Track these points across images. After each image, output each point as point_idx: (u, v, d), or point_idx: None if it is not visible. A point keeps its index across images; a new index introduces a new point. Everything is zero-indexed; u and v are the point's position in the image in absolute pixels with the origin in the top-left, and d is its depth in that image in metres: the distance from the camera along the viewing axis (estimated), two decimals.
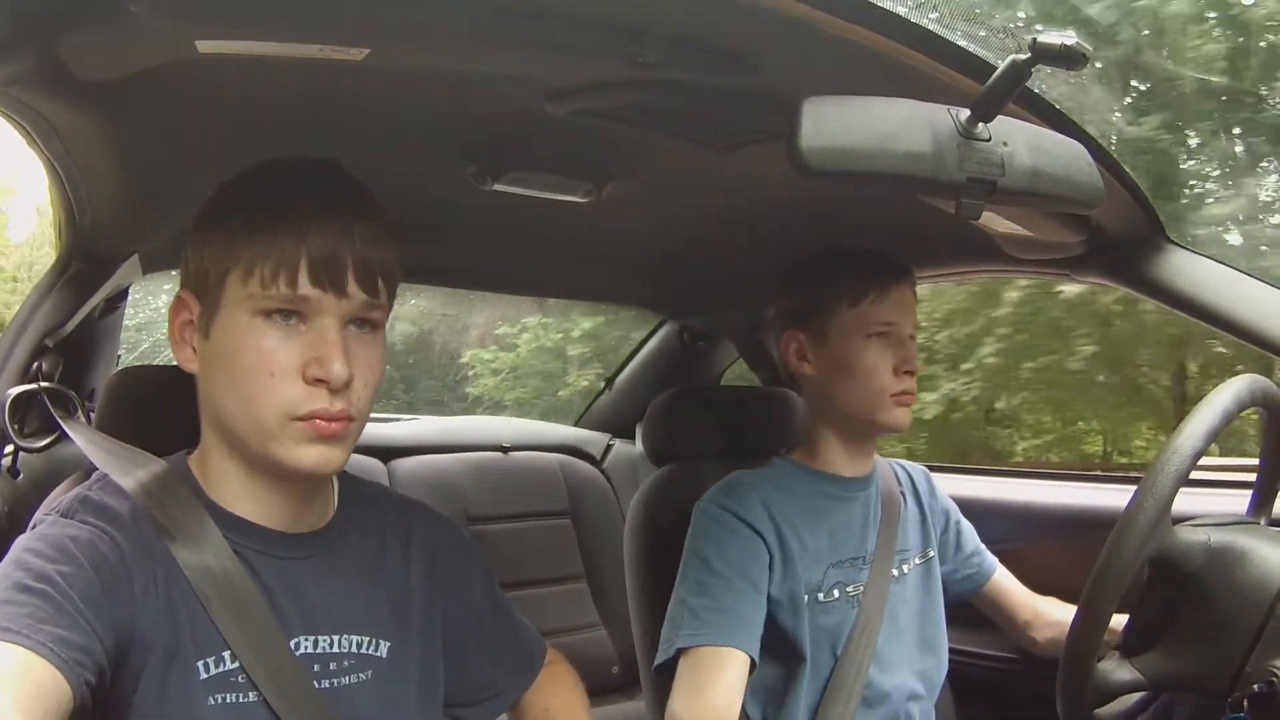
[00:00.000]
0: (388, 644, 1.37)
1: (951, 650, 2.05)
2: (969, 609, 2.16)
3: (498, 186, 1.85)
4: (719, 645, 1.73)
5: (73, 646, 1.06)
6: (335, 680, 1.30)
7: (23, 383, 1.78)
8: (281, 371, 1.19)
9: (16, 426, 1.75)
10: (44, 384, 1.76)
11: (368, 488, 1.51)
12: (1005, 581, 2.15)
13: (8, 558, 1.14)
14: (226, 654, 1.21)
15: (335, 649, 1.31)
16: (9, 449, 1.84)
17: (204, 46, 1.17)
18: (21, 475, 1.86)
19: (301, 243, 1.19)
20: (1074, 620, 1.50)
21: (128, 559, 1.18)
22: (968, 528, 2.16)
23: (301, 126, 1.66)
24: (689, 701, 1.72)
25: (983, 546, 2.16)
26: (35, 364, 1.80)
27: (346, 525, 1.41)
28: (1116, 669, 1.55)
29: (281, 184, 1.26)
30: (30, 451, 1.80)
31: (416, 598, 1.44)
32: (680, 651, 1.76)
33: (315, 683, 1.28)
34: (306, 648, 1.29)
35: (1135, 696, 1.64)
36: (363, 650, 1.34)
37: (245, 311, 1.21)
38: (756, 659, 1.76)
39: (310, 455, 1.21)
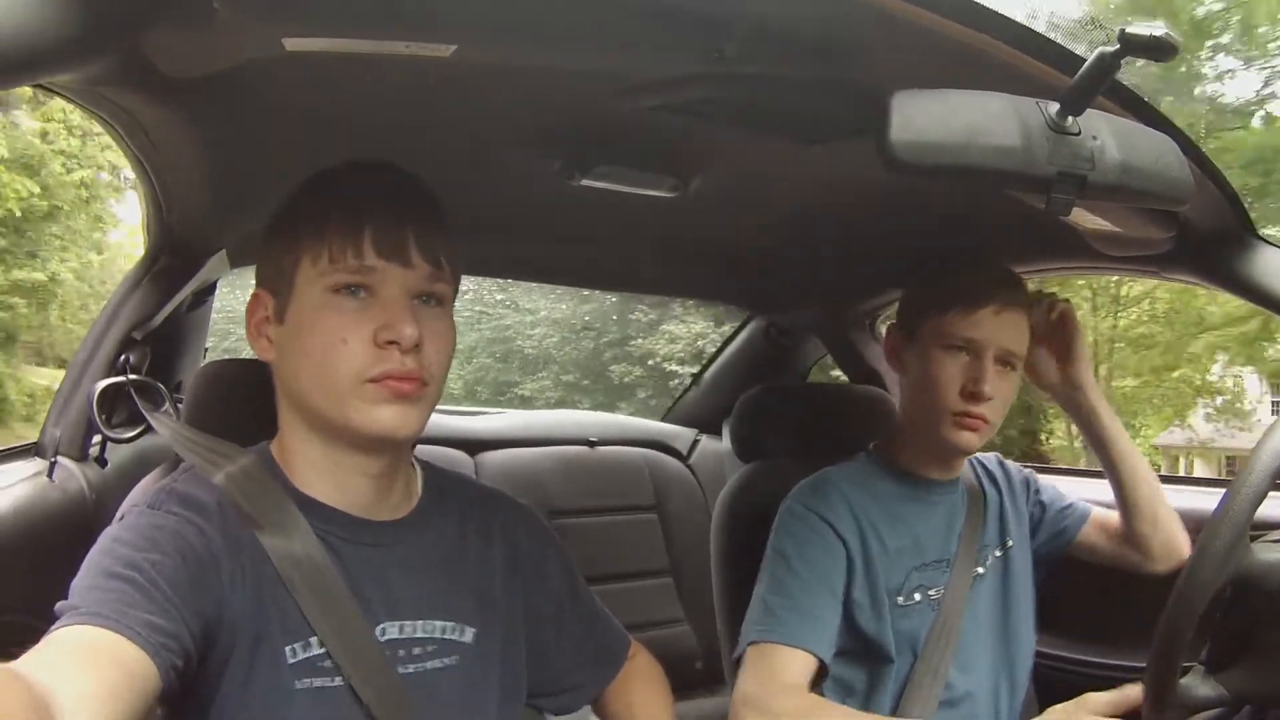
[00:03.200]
0: (473, 630, 1.39)
1: (1036, 654, 2.01)
2: (1050, 611, 2.11)
3: (585, 182, 1.86)
4: (789, 644, 1.73)
5: (160, 631, 1.08)
6: (419, 665, 1.32)
7: (111, 375, 1.82)
8: (354, 338, 1.24)
9: (104, 417, 1.79)
10: (132, 376, 1.79)
11: (451, 478, 1.53)
12: (1102, 517, 2.07)
13: (95, 548, 1.17)
14: (313, 639, 1.23)
15: (419, 634, 1.34)
16: (97, 439, 1.88)
17: (291, 44, 1.19)
18: (109, 465, 1.89)
19: (364, 219, 1.26)
20: (1155, 640, 1.47)
21: (214, 547, 1.21)
22: (1047, 490, 2.10)
23: (387, 123, 1.67)
24: (758, 682, 1.72)
25: (1069, 499, 2.10)
26: (123, 357, 1.84)
27: (430, 513, 1.43)
28: (1200, 684, 1.52)
29: (340, 179, 1.33)
30: (118, 442, 1.84)
31: (499, 585, 1.45)
32: (751, 644, 1.76)
33: (400, 668, 1.30)
34: (391, 633, 1.31)
35: (1219, 710, 1.60)
36: (447, 636, 1.36)
37: (317, 290, 1.26)
38: (828, 661, 1.75)
39: (385, 416, 1.25)
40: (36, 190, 19.24)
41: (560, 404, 17.63)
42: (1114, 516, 2.06)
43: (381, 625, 1.30)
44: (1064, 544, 2.08)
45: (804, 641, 1.73)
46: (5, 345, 20.55)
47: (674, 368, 16.87)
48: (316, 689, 1.23)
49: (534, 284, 8.23)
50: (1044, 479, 2.15)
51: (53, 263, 20.84)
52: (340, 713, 1.24)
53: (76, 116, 18.73)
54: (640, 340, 18.06)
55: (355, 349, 1.24)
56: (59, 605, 1.08)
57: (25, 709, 0.81)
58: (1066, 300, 1.98)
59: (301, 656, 1.23)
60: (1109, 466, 2.00)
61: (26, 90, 1.77)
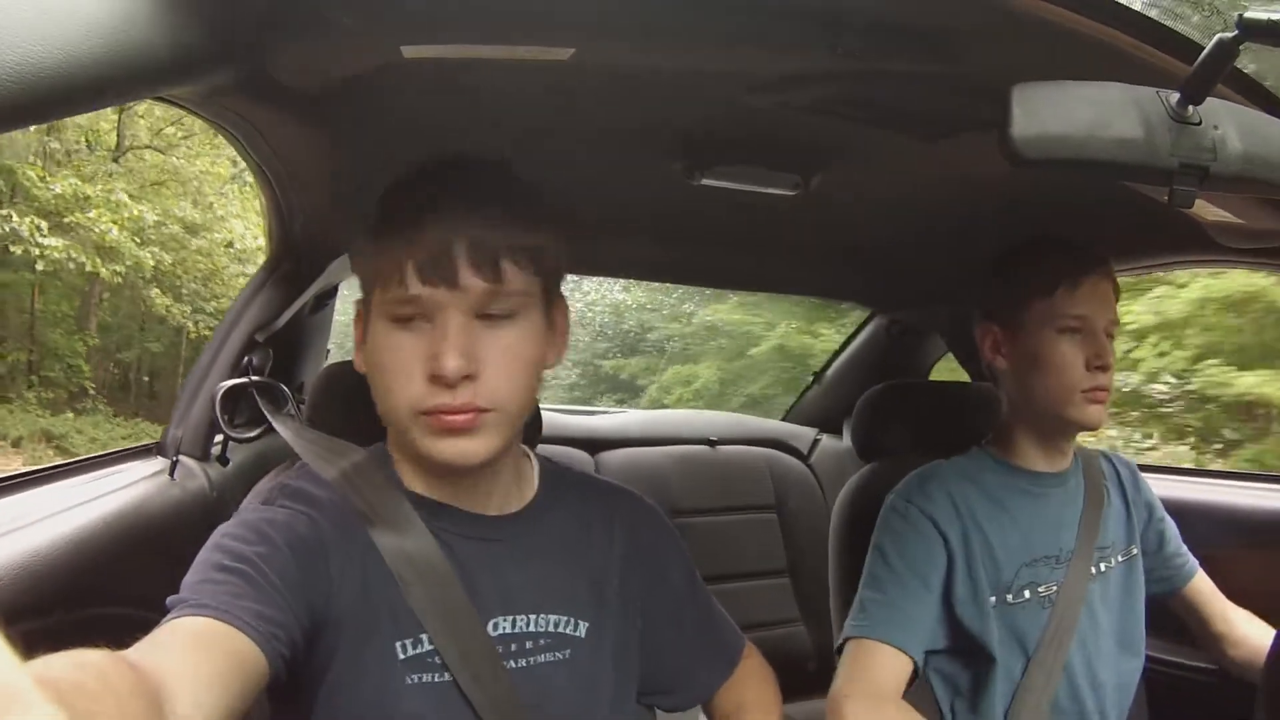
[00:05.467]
0: (586, 624, 1.39)
1: (1148, 657, 1.97)
2: (1168, 614, 2.07)
3: (706, 181, 1.86)
4: (879, 641, 1.74)
5: (269, 621, 1.10)
6: (531, 659, 1.33)
7: (234, 376, 1.87)
8: (408, 370, 1.21)
9: (227, 418, 1.84)
10: (254, 378, 1.84)
11: (571, 473, 1.53)
12: (1203, 587, 2.07)
13: (208, 544, 1.19)
14: (424, 635, 1.25)
15: (532, 628, 1.34)
16: (219, 439, 1.93)
17: (409, 52, 1.21)
18: (231, 464, 1.94)
19: (408, 244, 1.21)
20: (1272, 648, 1.43)
21: (325, 539, 1.24)
22: (1171, 526, 2.07)
23: (506, 125, 1.69)
24: (850, 681, 1.73)
25: (1185, 549, 2.07)
26: (246, 359, 1.88)
27: (547, 507, 1.43)
28: None
29: (400, 192, 1.28)
30: (240, 441, 1.89)
31: (615, 579, 1.45)
32: (847, 639, 1.78)
33: (512, 662, 1.30)
34: (504, 628, 1.32)
35: None
36: (560, 630, 1.36)
37: (382, 318, 1.25)
38: (918, 658, 1.76)
39: (444, 448, 1.22)
40: None
41: None
42: (1206, 593, 2.07)
43: (494, 620, 1.31)
44: (1165, 594, 2.07)
45: (893, 637, 1.74)
46: None
47: None
48: (426, 684, 1.25)
49: None
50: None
51: None
52: (449, 708, 1.25)
53: None
54: None
55: (410, 381, 1.22)
56: (170, 599, 1.11)
57: (134, 694, 0.83)
58: None
59: (412, 653, 1.25)
60: None
61: None
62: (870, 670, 1.73)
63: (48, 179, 14.73)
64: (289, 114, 1.45)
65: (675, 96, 1.57)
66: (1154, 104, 1.08)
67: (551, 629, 1.36)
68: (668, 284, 10.83)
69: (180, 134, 17.52)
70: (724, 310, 13.63)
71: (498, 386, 1.23)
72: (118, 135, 17.26)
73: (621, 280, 13.09)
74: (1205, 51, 1.04)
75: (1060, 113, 1.06)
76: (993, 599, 1.81)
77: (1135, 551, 1.98)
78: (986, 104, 1.10)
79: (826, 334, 11.74)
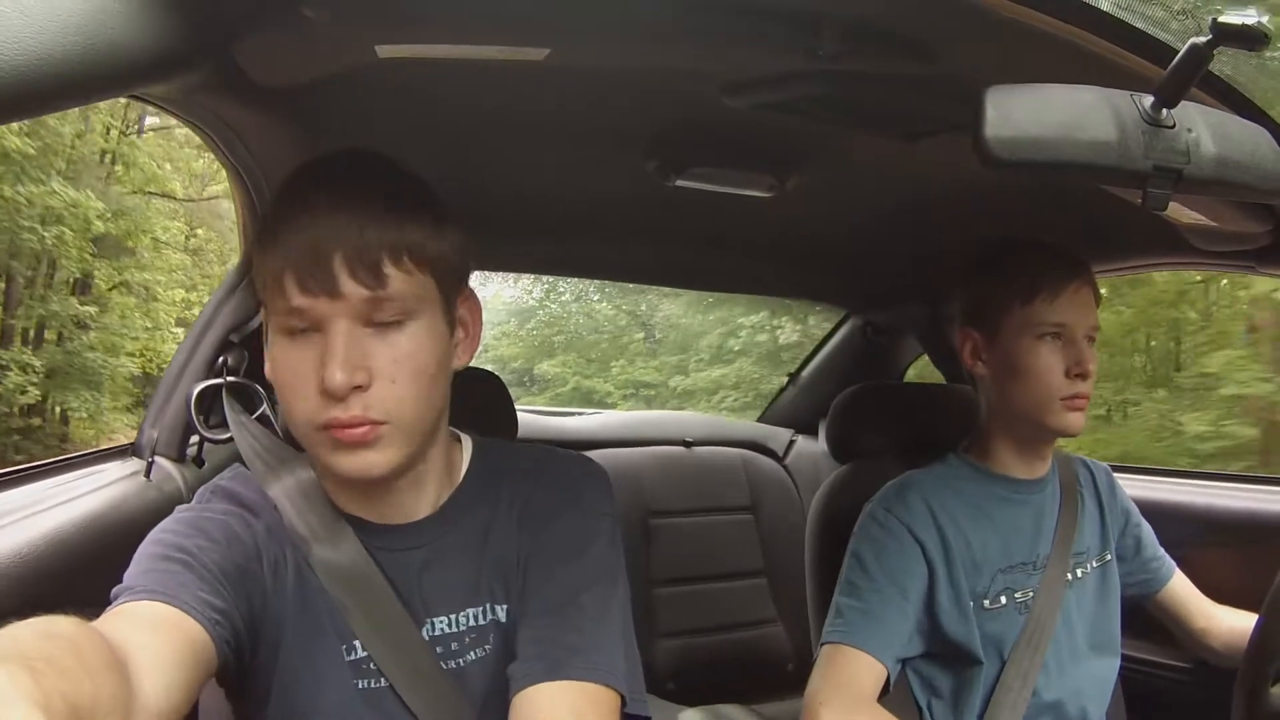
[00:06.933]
0: (504, 606, 1.32)
1: (1125, 657, 1.98)
2: (1145, 615, 2.09)
3: (680, 182, 1.86)
4: (855, 647, 1.73)
5: (213, 607, 1.10)
6: (459, 660, 1.29)
7: (208, 377, 1.85)
8: (303, 385, 1.16)
9: (201, 419, 1.82)
10: (228, 379, 1.82)
11: (508, 452, 1.44)
12: (1181, 587, 2.08)
13: (146, 540, 1.18)
14: (358, 643, 1.24)
15: (456, 628, 1.30)
16: (194, 440, 1.91)
17: (384, 51, 1.21)
18: (206, 465, 1.93)
19: (287, 252, 1.14)
20: (1252, 637, 1.44)
21: (259, 539, 1.23)
22: (1147, 530, 2.08)
23: (482, 126, 1.69)
24: (825, 686, 1.73)
25: (1161, 551, 2.08)
26: (220, 359, 1.87)
27: (469, 499, 1.36)
28: None
29: (280, 197, 1.21)
30: (215, 443, 1.87)
31: (520, 551, 1.34)
32: (823, 645, 1.78)
33: (445, 663, 1.28)
34: (429, 631, 1.29)
35: None
36: (478, 622, 1.31)
37: (276, 330, 1.20)
38: (892, 667, 1.75)
39: (346, 463, 1.17)
40: None
41: None
42: (1184, 592, 2.08)
43: (425, 625, 1.28)
44: (1143, 596, 2.09)
45: (869, 645, 1.73)
46: None
47: None
48: (369, 690, 1.24)
49: None
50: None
51: None
52: (394, 713, 1.24)
53: None
54: None
55: (305, 397, 1.16)
56: (114, 590, 1.10)
57: (107, 669, 0.83)
58: None
59: (351, 658, 1.24)
60: None
61: None
62: (845, 676, 1.72)
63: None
64: (264, 113, 1.44)
65: (651, 98, 1.57)
66: (1128, 107, 1.08)
67: (471, 623, 1.30)
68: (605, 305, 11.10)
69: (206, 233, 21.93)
70: (551, 364, 20.11)
71: (389, 397, 1.16)
72: (154, 241, 21.08)
73: (506, 334, 19.72)
74: (1179, 55, 1.05)
75: (1034, 115, 1.06)
76: (970, 604, 1.81)
77: (1109, 557, 1.99)
78: (962, 106, 1.10)
79: (599, 382, 19.42)
